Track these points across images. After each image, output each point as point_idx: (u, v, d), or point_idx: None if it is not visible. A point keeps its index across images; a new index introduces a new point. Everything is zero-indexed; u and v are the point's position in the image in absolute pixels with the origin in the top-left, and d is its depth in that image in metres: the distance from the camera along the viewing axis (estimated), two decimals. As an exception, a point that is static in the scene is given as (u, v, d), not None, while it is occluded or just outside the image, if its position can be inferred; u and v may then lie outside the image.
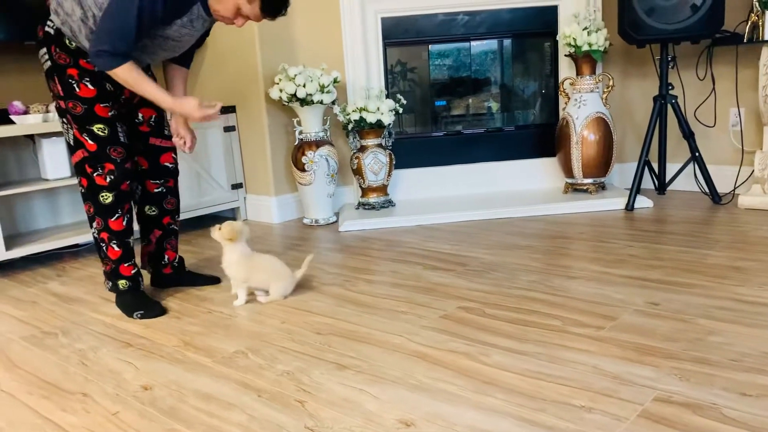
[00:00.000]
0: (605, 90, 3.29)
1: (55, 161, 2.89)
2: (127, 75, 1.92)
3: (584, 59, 3.22)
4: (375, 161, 3.27)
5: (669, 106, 3.24)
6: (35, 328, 2.09)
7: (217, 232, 2.15)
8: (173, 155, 2.28)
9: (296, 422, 1.38)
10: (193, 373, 1.66)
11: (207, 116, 2.02)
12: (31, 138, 3.01)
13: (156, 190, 2.27)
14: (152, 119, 2.21)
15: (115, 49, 1.87)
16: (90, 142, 2.03)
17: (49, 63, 2.00)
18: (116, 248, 2.12)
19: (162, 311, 2.13)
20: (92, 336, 1.99)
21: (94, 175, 2.06)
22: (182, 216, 3.24)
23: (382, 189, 3.37)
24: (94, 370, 1.73)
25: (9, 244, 2.76)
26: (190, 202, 3.31)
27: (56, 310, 2.25)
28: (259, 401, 1.49)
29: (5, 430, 1.45)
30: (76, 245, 3.11)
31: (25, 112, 2.78)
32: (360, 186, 3.37)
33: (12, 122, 2.79)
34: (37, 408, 1.54)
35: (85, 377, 1.69)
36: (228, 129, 3.45)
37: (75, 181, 2.09)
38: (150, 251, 2.34)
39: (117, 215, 2.09)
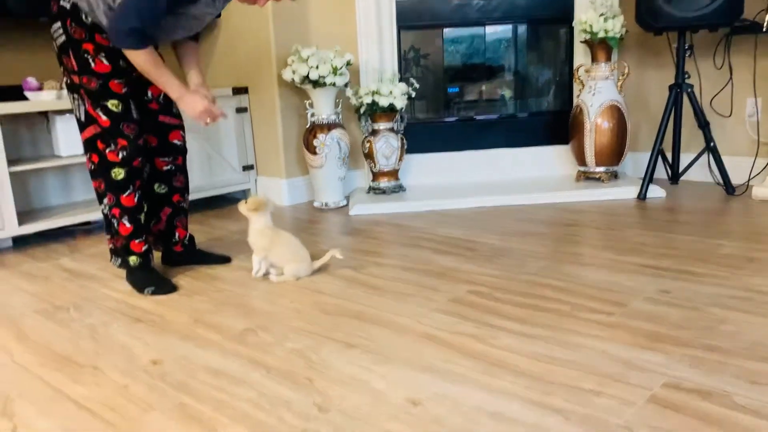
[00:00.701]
0: (620, 78, 3.26)
1: (68, 138, 2.91)
2: (149, 58, 1.93)
3: (600, 46, 3.19)
4: (386, 145, 3.26)
5: (685, 95, 3.20)
6: (47, 303, 2.11)
7: (243, 206, 2.20)
8: (182, 133, 2.29)
9: (304, 399, 1.39)
10: (203, 349, 1.68)
11: (208, 115, 2.06)
12: (44, 115, 3.02)
13: (165, 168, 2.27)
14: (161, 97, 2.21)
15: (144, 27, 1.87)
16: (103, 117, 2.03)
17: (63, 37, 2.00)
18: (127, 224, 2.13)
19: (173, 288, 2.14)
20: (103, 311, 2.00)
21: (107, 151, 2.06)
22: (193, 196, 3.25)
23: (393, 174, 3.36)
24: (105, 345, 1.75)
25: (22, 220, 2.78)
26: (202, 183, 3.32)
27: (68, 286, 2.27)
28: (267, 377, 1.50)
29: (17, 400, 1.46)
30: (88, 222, 3.13)
31: (39, 89, 2.79)
32: (371, 170, 3.36)
33: (26, 98, 2.80)
34: (49, 380, 1.56)
35: (95, 351, 1.71)
36: (240, 110, 3.44)
37: (88, 158, 2.12)
38: (160, 229, 2.35)
39: (129, 191, 2.10)
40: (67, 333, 1.84)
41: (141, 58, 1.93)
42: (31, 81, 2.78)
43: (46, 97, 2.77)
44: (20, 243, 2.90)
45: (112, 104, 2.03)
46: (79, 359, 1.66)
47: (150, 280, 2.15)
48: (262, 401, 1.39)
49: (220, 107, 3.24)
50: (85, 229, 3.12)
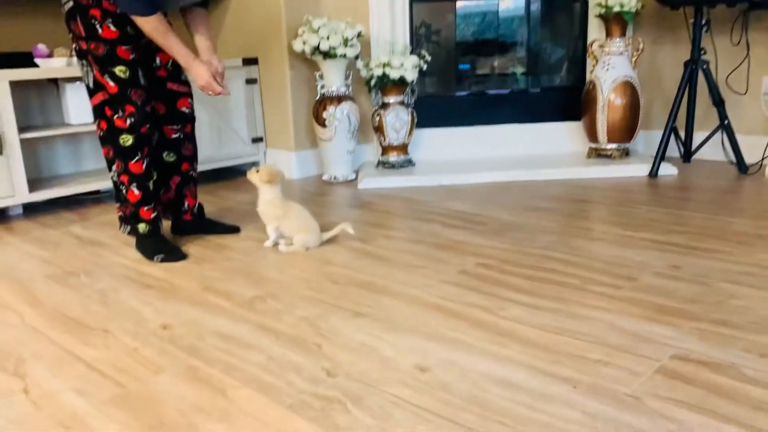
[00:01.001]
0: (635, 53, 3.21)
1: (78, 106, 2.90)
2: (158, 24, 1.94)
3: (615, 21, 3.14)
4: (397, 119, 3.24)
5: (700, 72, 3.16)
6: (58, 268, 2.12)
7: (255, 175, 2.18)
8: (190, 101, 2.28)
9: (313, 364, 1.40)
10: (213, 315, 1.69)
11: (210, 88, 2.08)
12: (54, 83, 3.02)
13: (174, 136, 2.27)
14: (169, 64, 2.20)
15: None
16: (111, 84, 2.03)
17: (71, 3, 1.99)
18: (136, 191, 2.13)
19: (183, 256, 2.15)
20: (113, 277, 2.01)
21: (114, 117, 2.06)
22: (203, 168, 3.25)
23: (403, 148, 3.34)
24: (115, 309, 1.76)
25: (32, 187, 2.80)
26: (211, 155, 3.32)
27: (78, 252, 2.28)
28: (277, 343, 1.50)
29: (29, 360, 1.48)
30: (98, 191, 3.14)
31: (49, 56, 2.78)
32: (380, 144, 3.35)
33: (36, 65, 2.80)
34: (60, 341, 1.57)
35: (106, 315, 1.72)
36: (250, 81, 3.42)
37: (98, 126, 2.12)
38: (169, 198, 2.35)
39: (137, 158, 2.10)
40: (77, 297, 1.86)
41: (150, 25, 1.92)
42: (42, 48, 2.77)
43: (56, 64, 2.76)
44: (30, 210, 2.91)
45: (119, 70, 2.02)
46: (90, 323, 1.68)
47: (160, 247, 2.16)
48: (271, 365, 1.40)
49: (229, 78, 3.22)
50: (95, 197, 3.14)
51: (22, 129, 2.79)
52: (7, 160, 2.64)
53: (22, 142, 2.75)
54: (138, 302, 1.80)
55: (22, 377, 1.40)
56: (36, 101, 3.04)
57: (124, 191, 2.14)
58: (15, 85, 2.81)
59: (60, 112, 3.07)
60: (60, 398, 1.31)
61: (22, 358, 1.49)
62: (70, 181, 2.97)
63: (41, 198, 2.79)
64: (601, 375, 1.30)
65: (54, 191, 2.82)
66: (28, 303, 1.83)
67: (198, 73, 2.06)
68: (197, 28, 2.16)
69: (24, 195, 2.72)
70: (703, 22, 3.10)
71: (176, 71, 2.22)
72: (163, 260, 2.12)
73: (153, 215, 2.18)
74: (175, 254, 2.14)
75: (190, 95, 2.28)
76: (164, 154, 2.29)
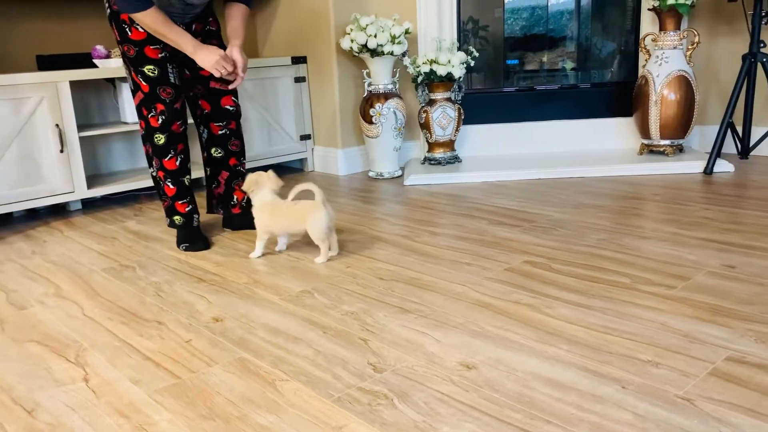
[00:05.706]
0: (689, 47, 3.12)
1: (133, 105, 2.99)
2: (155, 16, 1.96)
3: (669, 14, 3.06)
4: (443, 115, 3.24)
5: (759, 66, 3.04)
6: (114, 262, 2.20)
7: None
8: (233, 98, 2.33)
9: (360, 358, 1.41)
10: (262, 309, 1.72)
11: (220, 72, 2.07)
12: (111, 82, 3.12)
13: (220, 132, 2.34)
14: None
15: None
16: (143, 83, 2.12)
17: (108, 11, 2.11)
18: (171, 186, 2.24)
19: (206, 246, 2.25)
20: (167, 271, 2.08)
21: (149, 116, 2.16)
22: (252, 164, 3.31)
23: (449, 144, 3.33)
24: (169, 302, 1.81)
25: (90, 183, 2.90)
26: (260, 151, 3.38)
27: (134, 246, 2.36)
28: (324, 337, 1.53)
29: (89, 350, 1.54)
30: (152, 187, 3.23)
31: (107, 56, 2.88)
32: (427, 140, 3.35)
33: (95, 66, 2.90)
34: (117, 332, 1.63)
35: (160, 307, 1.78)
36: (298, 80, 3.47)
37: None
38: (219, 193, 2.42)
39: (170, 155, 2.20)
40: (133, 290, 1.92)
41: (148, 18, 1.97)
42: (100, 49, 2.87)
43: (113, 64, 2.86)
44: (89, 206, 3.02)
45: (148, 69, 2.10)
46: (145, 314, 1.74)
47: (186, 237, 2.27)
48: (319, 359, 1.42)
49: (278, 77, 3.27)
50: (149, 193, 3.23)
51: (81, 127, 2.90)
52: (68, 157, 2.75)
53: (81, 140, 2.86)
54: (191, 295, 1.85)
55: (83, 366, 1.46)
56: (94, 100, 3.16)
57: (162, 186, 2.26)
58: (75, 85, 2.92)
59: (117, 111, 3.17)
60: (117, 387, 1.36)
61: (83, 347, 1.56)
62: (126, 177, 3.07)
63: (99, 194, 2.89)
64: (652, 376, 1.28)
65: (111, 187, 2.92)
66: (87, 295, 1.91)
67: (204, 59, 2.06)
68: (233, 23, 2.16)
69: (83, 191, 2.83)
70: (763, 13, 2.99)
71: None
72: (186, 249, 2.24)
73: (188, 209, 2.30)
74: (198, 244, 2.24)
75: (233, 93, 2.33)
76: (212, 150, 2.35)
